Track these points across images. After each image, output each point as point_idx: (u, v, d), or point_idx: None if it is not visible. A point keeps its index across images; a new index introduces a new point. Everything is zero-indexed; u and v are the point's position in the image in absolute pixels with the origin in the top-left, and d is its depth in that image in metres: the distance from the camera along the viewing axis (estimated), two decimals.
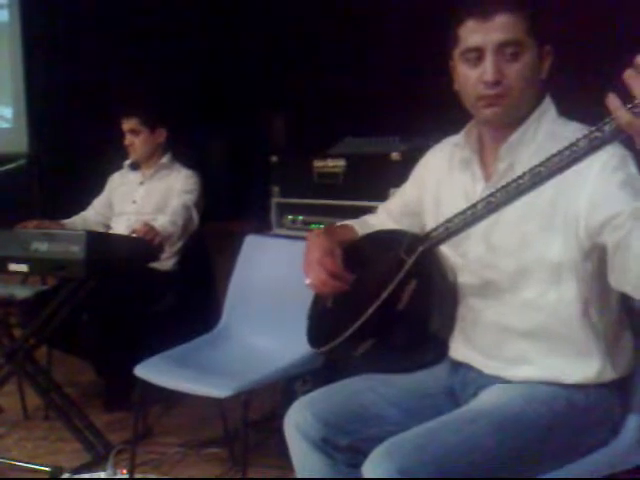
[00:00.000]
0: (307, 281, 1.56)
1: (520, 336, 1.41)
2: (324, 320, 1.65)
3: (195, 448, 2.61)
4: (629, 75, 1.06)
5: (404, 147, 2.38)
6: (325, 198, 2.58)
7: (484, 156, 1.50)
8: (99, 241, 2.34)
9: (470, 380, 1.48)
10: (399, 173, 2.27)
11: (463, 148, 1.53)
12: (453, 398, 1.52)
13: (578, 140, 1.16)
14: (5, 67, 5.10)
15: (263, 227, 2.87)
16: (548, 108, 1.45)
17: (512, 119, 1.43)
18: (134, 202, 3.11)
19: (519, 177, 1.26)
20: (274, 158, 2.75)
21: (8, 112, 5.22)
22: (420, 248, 1.47)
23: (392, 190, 2.30)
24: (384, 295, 1.47)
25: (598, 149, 1.15)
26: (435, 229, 1.45)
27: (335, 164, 2.50)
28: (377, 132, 2.72)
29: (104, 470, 2.37)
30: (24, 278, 3.89)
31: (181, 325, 2.73)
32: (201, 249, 3.06)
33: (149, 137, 3.07)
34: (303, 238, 2.49)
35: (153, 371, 2.11)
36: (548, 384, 1.38)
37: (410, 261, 1.47)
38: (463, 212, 1.36)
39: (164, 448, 2.61)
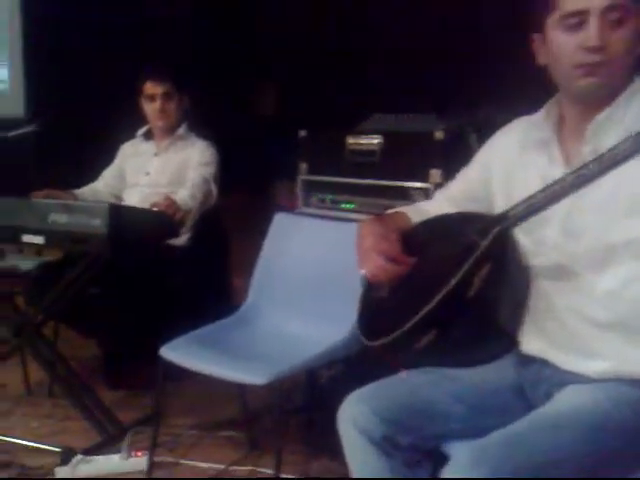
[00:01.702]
0: (362, 270, 1.47)
1: (599, 327, 1.33)
2: (379, 311, 1.54)
3: (210, 430, 2.52)
4: None
5: (444, 125, 2.28)
6: (357, 177, 2.45)
7: (563, 137, 1.40)
8: (121, 215, 2.21)
9: (544, 377, 1.40)
10: (441, 153, 2.21)
11: (541, 128, 1.43)
12: (522, 396, 1.44)
13: None
14: (2, 25, 4.90)
15: (286, 203, 2.76)
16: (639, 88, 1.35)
17: (606, 92, 1.33)
18: (147, 174, 2.97)
19: (621, 143, 1.18)
20: (302, 133, 2.61)
21: (4, 73, 5.02)
22: (497, 228, 1.38)
23: (433, 170, 2.22)
24: (454, 281, 1.37)
25: None
26: (514, 207, 1.37)
27: (371, 141, 2.39)
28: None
29: (118, 452, 2.28)
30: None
31: (193, 303, 2.63)
32: (217, 224, 2.95)
33: (180, 102, 2.94)
34: (332, 218, 2.42)
35: (182, 353, 2.01)
36: (631, 382, 1.30)
37: (485, 243, 1.38)
38: (550, 186, 1.29)
39: (178, 430, 2.52)
